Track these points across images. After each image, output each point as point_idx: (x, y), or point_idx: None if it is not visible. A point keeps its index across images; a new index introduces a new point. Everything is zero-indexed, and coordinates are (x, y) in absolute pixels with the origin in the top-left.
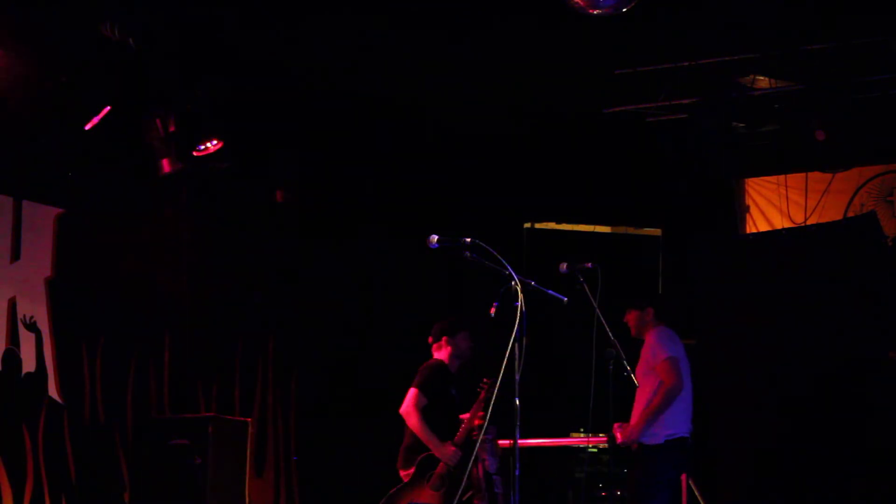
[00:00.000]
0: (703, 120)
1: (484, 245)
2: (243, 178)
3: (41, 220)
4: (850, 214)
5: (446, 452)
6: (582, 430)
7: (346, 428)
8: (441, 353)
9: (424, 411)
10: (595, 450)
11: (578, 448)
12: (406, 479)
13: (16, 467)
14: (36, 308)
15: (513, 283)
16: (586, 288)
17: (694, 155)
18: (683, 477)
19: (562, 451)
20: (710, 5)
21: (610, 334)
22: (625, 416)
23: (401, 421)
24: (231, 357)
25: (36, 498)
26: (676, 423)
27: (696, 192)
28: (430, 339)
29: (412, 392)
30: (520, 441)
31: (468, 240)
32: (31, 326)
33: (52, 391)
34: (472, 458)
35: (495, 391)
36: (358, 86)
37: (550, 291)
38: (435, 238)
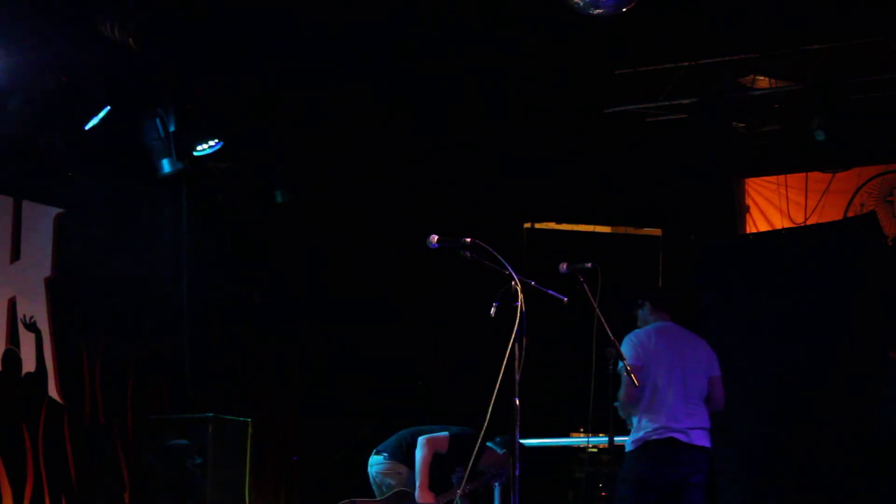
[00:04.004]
0: (703, 120)
1: (484, 245)
2: (243, 178)
3: (41, 220)
4: (850, 214)
5: (426, 498)
6: (582, 430)
7: (346, 428)
8: (493, 447)
9: (435, 456)
10: (595, 450)
11: (578, 448)
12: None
13: (16, 467)
14: (36, 308)
15: (513, 283)
16: (586, 288)
17: (694, 155)
18: None
19: (562, 451)
20: (710, 5)
21: (610, 334)
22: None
23: (401, 421)
24: (231, 357)
25: (36, 498)
26: (644, 426)
27: (696, 192)
28: (497, 440)
29: (444, 435)
30: (520, 441)
31: (468, 240)
32: (31, 326)
33: (52, 391)
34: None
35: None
36: (357, 85)
37: (550, 291)
38: (435, 238)
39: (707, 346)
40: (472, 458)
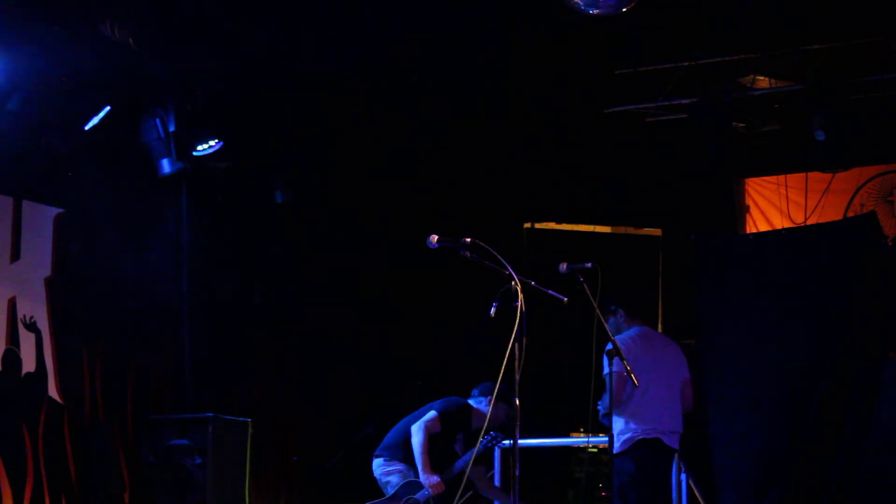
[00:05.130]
0: (703, 120)
1: (484, 245)
2: (243, 178)
3: (41, 220)
4: (850, 214)
5: (431, 480)
6: (582, 430)
7: (346, 428)
8: (477, 406)
9: (432, 437)
10: (595, 450)
11: (578, 448)
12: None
13: (16, 467)
14: (36, 308)
15: (513, 283)
16: (586, 288)
17: (694, 155)
18: (683, 477)
19: (562, 451)
20: (710, 5)
21: (610, 334)
22: None
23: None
24: (231, 357)
25: (36, 498)
26: (633, 428)
27: (696, 192)
28: (475, 392)
29: (432, 414)
30: (520, 441)
31: (468, 240)
32: (31, 326)
33: (52, 391)
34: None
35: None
36: (357, 85)
37: (550, 291)
38: (435, 238)
39: (678, 348)
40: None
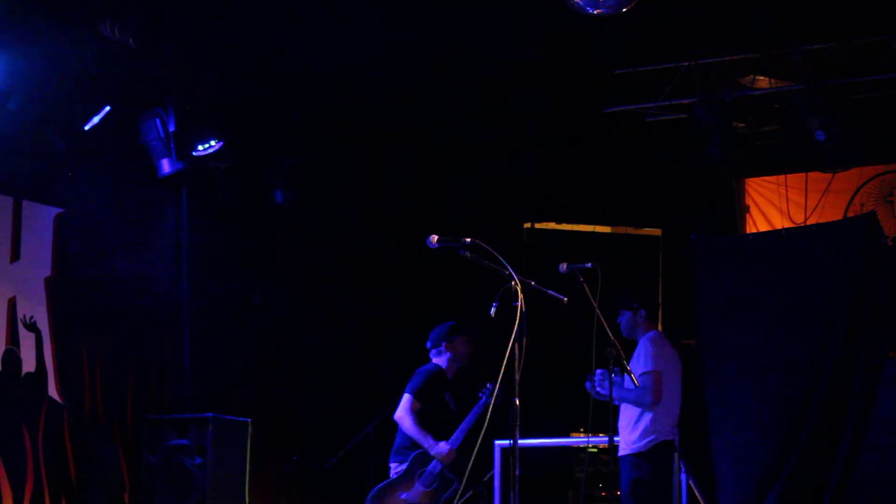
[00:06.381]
0: (703, 120)
1: (484, 245)
2: (243, 178)
3: (41, 220)
4: (850, 214)
5: (441, 451)
6: (582, 430)
7: (346, 428)
8: (439, 359)
9: (418, 415)
10: (595, 450)
11: (578, 448)
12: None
13: (16, 467)
14: (36, 308)
15: (513, 283)
16: (586, 288)
17: (694, 155)
18: (683, 477)
19: (562, 451)
20: (710, 5)
21: (610, 334)
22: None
23: None
24: (231, 357)
25: (36, 498)
26: (659, 429)
27: (696, 192)
28: (428, 345)
29: (406, 398)
30: (520, 441)
31: (468, 240)
32: (31, 326)
33: (52, 391)
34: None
35: (493, 397)
36: (357, 86)
37: (550, 291)
38: (435, 238)
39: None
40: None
